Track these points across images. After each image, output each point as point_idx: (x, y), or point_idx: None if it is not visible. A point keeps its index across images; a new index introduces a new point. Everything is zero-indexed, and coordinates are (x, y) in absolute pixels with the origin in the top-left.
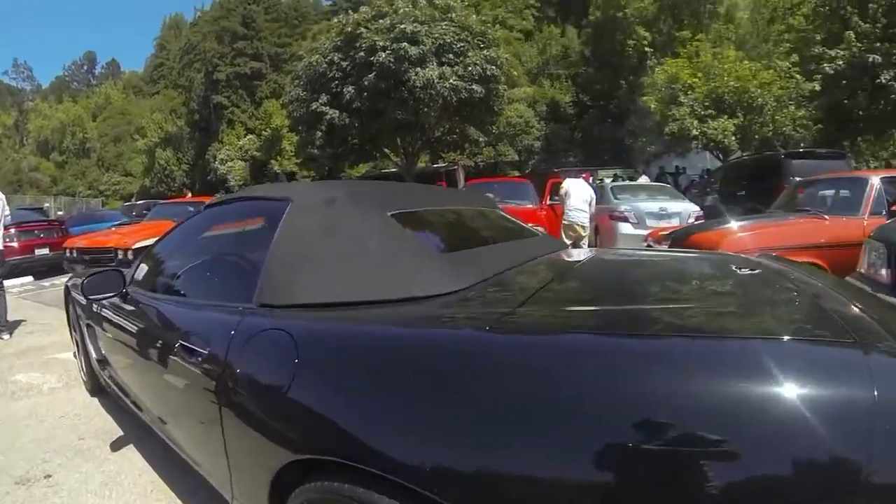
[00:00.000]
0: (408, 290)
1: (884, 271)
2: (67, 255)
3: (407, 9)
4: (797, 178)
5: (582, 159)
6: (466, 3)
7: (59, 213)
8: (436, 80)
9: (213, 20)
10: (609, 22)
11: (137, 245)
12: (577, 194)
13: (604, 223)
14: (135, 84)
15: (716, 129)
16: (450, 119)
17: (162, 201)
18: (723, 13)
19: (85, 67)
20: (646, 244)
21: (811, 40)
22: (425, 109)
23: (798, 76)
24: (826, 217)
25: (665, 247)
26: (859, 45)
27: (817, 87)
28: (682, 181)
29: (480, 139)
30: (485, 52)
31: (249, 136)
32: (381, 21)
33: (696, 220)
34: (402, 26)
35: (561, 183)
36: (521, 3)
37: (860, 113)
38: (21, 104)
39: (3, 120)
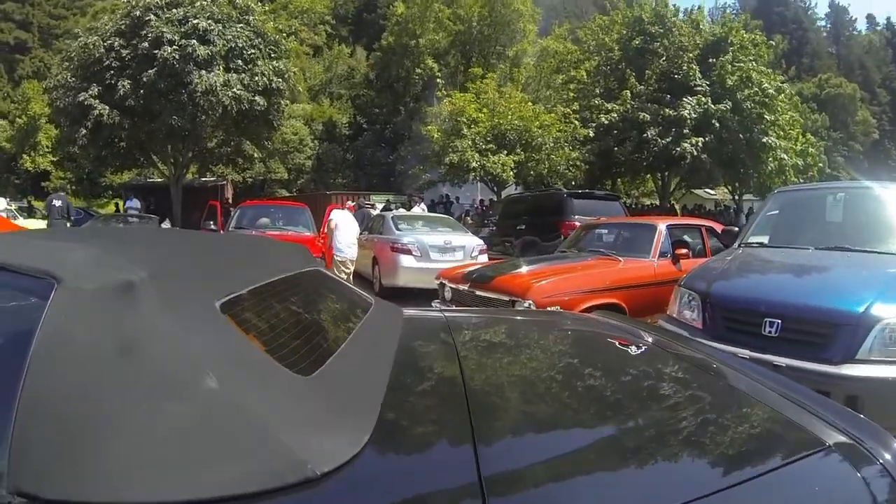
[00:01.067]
0: (286, 468)
1: (696, 316)
2: None
3: (204, 2)
4: (577, 216)
5: (351, 181)
6: (265, 9)
7: None
8: (219, 87)
9: None
10: (400, 48)
11: None
12: (348, 228)
13: (385, 254)
14: None
15: (495, 164)
16: (226, 130)
17: None
18: (511, 56)
19: None
20: (439, 282)
21: (591, 93)
22: (203, 117)
23: (576, 122)
24: (620, 259)
25: (465, 288)
26: (632, 103)
27: (591, 134)
28: (454, 210)
29: (255, 154)
30: (275, 62)
31: (0, 122)
32: (174, 11)
33: (479, 254)
34: (196, 21)
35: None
36: (317, 17)
37: (622, 158)
38: None
39: None
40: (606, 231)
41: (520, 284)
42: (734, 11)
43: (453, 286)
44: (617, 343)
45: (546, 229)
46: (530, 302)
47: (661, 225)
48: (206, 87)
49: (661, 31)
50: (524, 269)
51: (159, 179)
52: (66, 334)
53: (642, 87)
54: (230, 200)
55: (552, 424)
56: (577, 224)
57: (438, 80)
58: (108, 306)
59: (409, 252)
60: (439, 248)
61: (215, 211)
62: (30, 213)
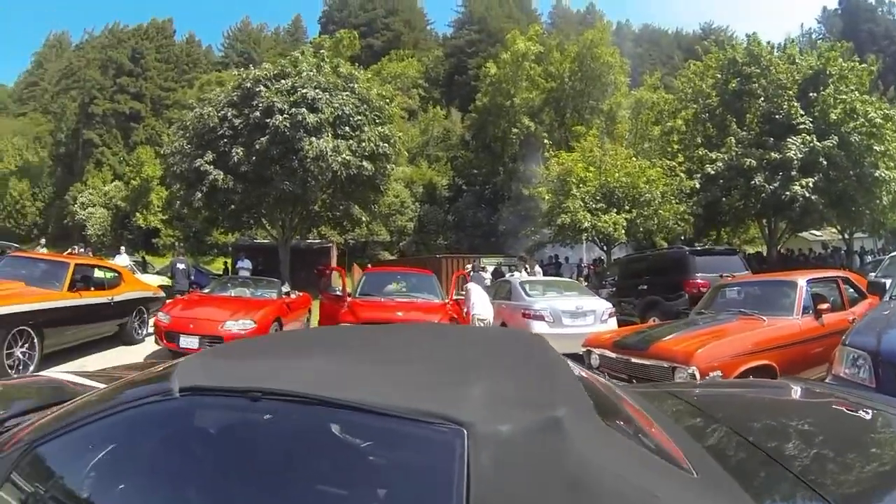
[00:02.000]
0: None
1: (866, 375)
2: None
3: (311, 73)
4: (700, 274)
5: (453, 242)
6: (367, 76)
7: None
8: (328, 153)
9: (100, 47)
10: (495, 108)
11: None
12: (481, 292)
13: (516, 321)
14: (2, 100)
15: (607, 223)
16: (334, 194)
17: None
18: (606, 111)
19: None
20: (585, 350)
21: (692, 142)
22: (312, 182)
23: (682, 174)
24: (763, 318)
25: (617, 355)
26: (736, 149)
27: (697, 185)
28: (563, 271)
29: (363, 218)
30: (380, 128)
31: (116, 183)
32: (282, 82)
33: (609, 317)
34: (304, 90)
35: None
36: (410, 81)
37: (727, 208)
38: None
39: None
40: (742, 290)
41: (682, 351)
42: (820, 36)
43: (602, 353)
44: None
45: (668, 289)
46: (694, 369)
47: (802, 280)
48: (317, 154)
49: (758, 70)
50: (678, 334)
51: (265, 240)
52: (504, 487)
53: (744, 131)
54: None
55: None
56: (701, 282)
57: (545, 139)
58: (539, 448)
59: (541, 318)
60: (571, 313)
61: (339, 276)
62: (143, 268)
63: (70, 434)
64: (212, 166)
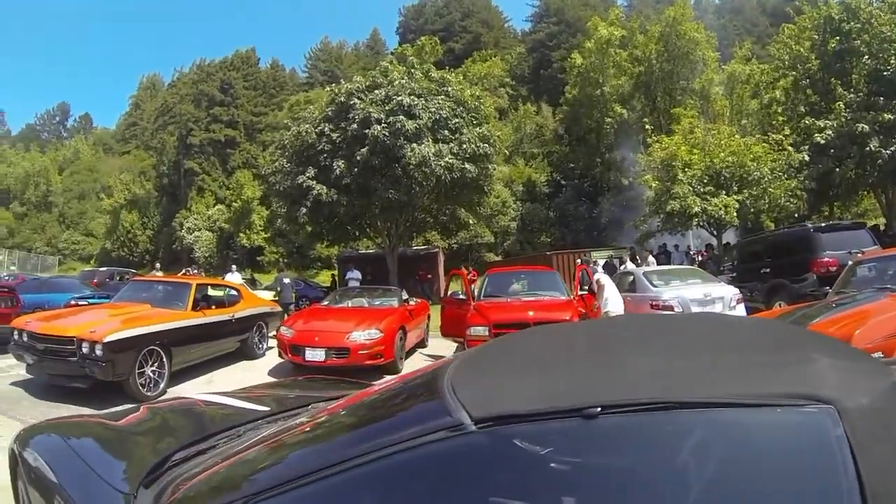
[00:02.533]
0: None
1: None
2: (14, 338)
3: (403, 81)
4: (828, 252)
5: (557, 238)
6: (459, 78)
7: (13, 268)
8: (431, 158)
9: (191, 83)
10: (586, 99)
11: (112, 338)
12: (614, 287)
13: (644, 312)
14: (105, 141)
15: (717, 206)
16: (438, 199)
17: (134, 274)
18: (698, 89)
19: (57, 119)
20: None
21: (795, 112)
22: (417, 189)
23: (790, 148)
24: None
25: None
26: (846, 115)
27: (806, 158)
28: (674, 259)
29: (469, 220)
30: (478, 129)
31: (219, 206)
32: (375, 92)
33: (737, 303)
34: (399, 98)
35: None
36: (496, 80)
37: (839, 180)
38: None
39: None
40: (883, 265)
41: (839, 333)
42: None
43: None
44: None
45: (794, 270)
46: None
47: None
48: (419, 160)
49: (858, 25)
50: (829, 315)
51: (370, 250)
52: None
53: (851, 94)
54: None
55: None
56: (829, 261)
57: (646, 124)
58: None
59: (671, 309)
60: (699, 301)
61: (461, 279)
62: (252, 285)
63: (298, 491)
64: (314, 181)
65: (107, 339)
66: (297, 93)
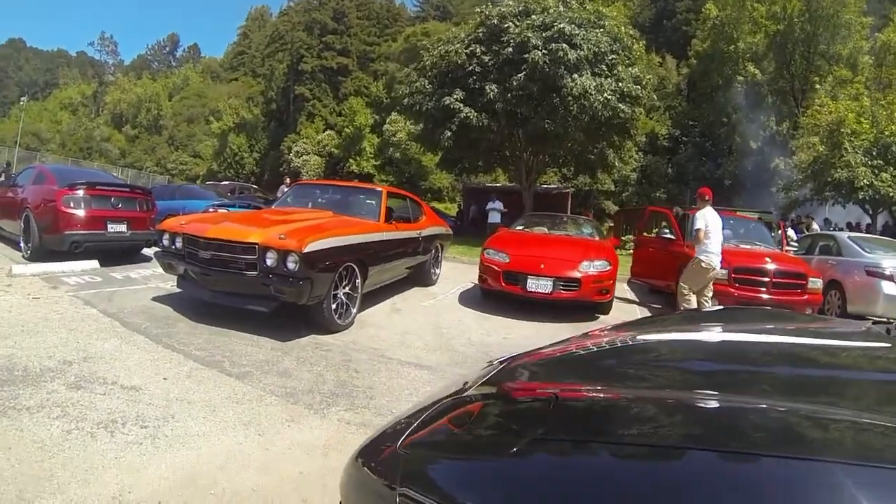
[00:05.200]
0: None
1: None
2: (164, 243)
3: (559, 9)
4: None
5: (676, 195)
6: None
7: None
8: (592, 91)
9: (303, 11)
10: (717, 55)
11: (312, 248)
12: (718, 233)
13: (854, 280)
14: (213, 69)
15: (884, 181)
16: (589, 137)
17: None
18: (845, 55)
19: (167, 49)
20: None
21: None
22: (572, 122)
23: None
24: None
25: None
26: None
27: None
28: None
29: (616, 162)
30: (631, 69)
31: (329, 132)
32: (532, 17)
33: None
34: (560, 26)
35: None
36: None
37: None
38: (102, 76)
39: (83, 89)
40: None
41: None
42: None
43: None
44: None
45: None
46: None
47: None
48: (580, 91)
49: None
50: None
51: (496, 184)
52: None
53: None
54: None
55: None
56: None
57: (817, 84)
58: None
59: (890, 279)
60: None
61: (668, 219)
62: None
63: None
64: (462, 104)
65: (306, 249)
66: (410, 26)
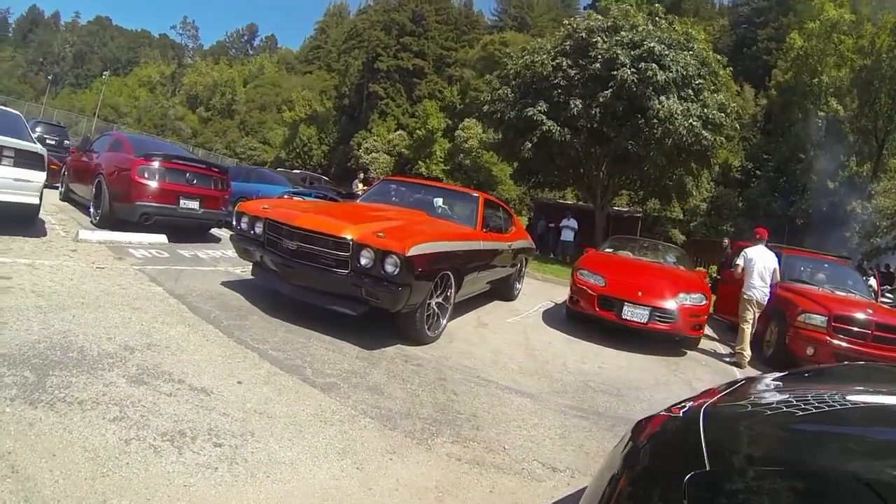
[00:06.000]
0: None
1: None
2: (242, 227)
3: (648, 27)
4: None
5: (744, 229)
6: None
7: None
8: (679, 115)
9: (382, 10)
10: (800, 87)
11: (416, 251)
12: (760, 267)
13: None
14: (289, 61)
15: None
16: (671, 161)
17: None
18: None
19: (245, 37)
20: None
21: None
22: (654, 145)
23: None
24: None
25: None
26: None
27: None
28: None
29: (694, 191)
30: (716, 95)
31: (399, 132)
32: (622, 34)
33: None
34: (650, 45)
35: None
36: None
37: None
38: (181, 58)
39: (162, 69)
40: None
41: None
42: None
43: None
44: None
45: None
46: None
47: None
48: (667, 114)
49: None
50: None
51: (568, 202)
52: None
53: None
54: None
55: None
56: None
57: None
58: None
59: None
60: None
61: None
62: None
63: None
64: (545, 116)
65: (410, 252)
66: (487, 34)
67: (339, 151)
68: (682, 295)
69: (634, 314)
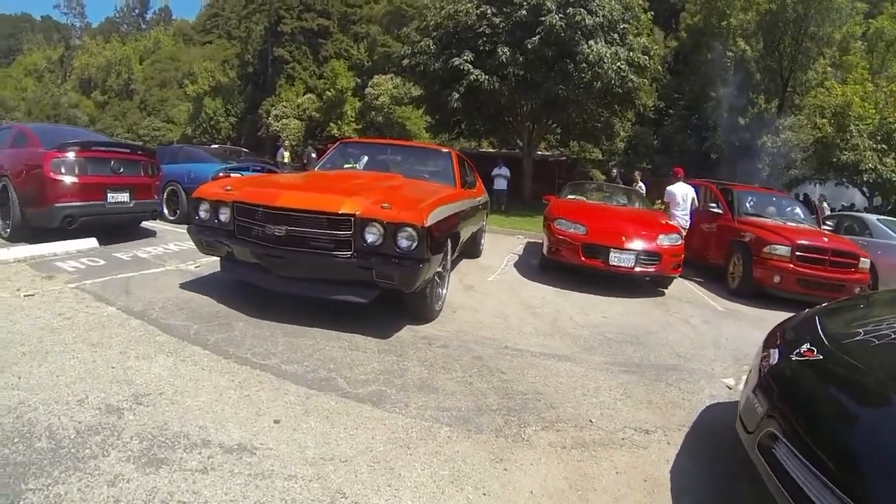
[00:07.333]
0: None
1: None
2: (201, 214)
3: None
4: None
5: (659, 166)
6: None
7: None
8: (607, 59)
9: None
10: (708, 30)
11: (434, 219)
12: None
13: (887, 261)
14: (186, 32)
15: (888, 166)
16: (600, 105)
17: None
18: (838, 39)
19: (136, 11)
20: None
21: None
22: (584, 89)
23: None
24: None
25: None
26: None
27: None
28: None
29: (621, 132)
30: (639, 38)
31: (309, 95)
32: None
33: None
34: None
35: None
36: None
37: None
38: (68, 40)
39: (49, 54)
40: None
41: None
42: None
43: None
44: None
45: None
46: None
47: None
48: (596, 59)
49: None
50: None
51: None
52: None
53: None
54: None
55: None
56: None
57: (828, 68)
58: None
59: None
60: None
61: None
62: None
63: None
64: (471, 65)
65: (429, 222)
66: None
67: (248, 121)
68: (661, 237)
69: (621, 260)
